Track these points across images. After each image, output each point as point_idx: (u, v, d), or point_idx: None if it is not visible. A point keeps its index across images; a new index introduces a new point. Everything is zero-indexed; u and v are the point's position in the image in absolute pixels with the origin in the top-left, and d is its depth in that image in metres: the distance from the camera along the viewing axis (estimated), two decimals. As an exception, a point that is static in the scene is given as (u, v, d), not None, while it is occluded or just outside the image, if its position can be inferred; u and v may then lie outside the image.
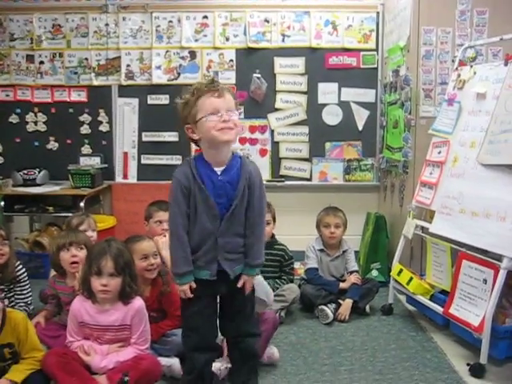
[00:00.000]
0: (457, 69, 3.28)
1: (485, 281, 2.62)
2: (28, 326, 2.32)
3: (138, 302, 2.40)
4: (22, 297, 2.97)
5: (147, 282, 2.72)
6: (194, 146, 4.36)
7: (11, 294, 2.90)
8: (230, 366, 2.40)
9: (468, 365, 2.61)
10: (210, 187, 2.06)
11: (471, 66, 3.16)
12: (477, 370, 2.55)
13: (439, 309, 2.91)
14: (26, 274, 3.03)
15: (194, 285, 2.10)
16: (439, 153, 3.20)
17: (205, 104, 2.01)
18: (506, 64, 2.83)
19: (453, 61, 3.52)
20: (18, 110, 4.63)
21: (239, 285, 2.14)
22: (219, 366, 2.45)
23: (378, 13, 4.41)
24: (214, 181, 2.07)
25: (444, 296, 2.97)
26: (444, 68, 3.63)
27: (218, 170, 2.08)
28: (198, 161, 2.10)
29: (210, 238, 2.08)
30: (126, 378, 2.21)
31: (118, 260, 2.34)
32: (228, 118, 2.01)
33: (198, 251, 2.09)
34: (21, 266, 3.02)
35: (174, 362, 2.49)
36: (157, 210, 3.24)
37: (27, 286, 3.03)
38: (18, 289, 2.97)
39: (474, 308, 2.65)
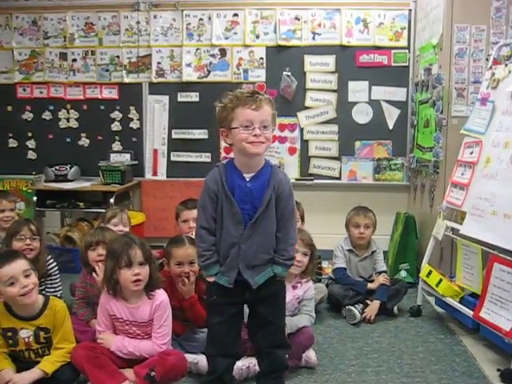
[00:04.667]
0: (491, 67, 3.21)
1: (517, 284, 2.57)
2: (66, 316, 2.40)
3: (161, 297, 2.44)
4: (53, 290, 3.02)
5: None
6: (223, 144, 4.40)
7: (42, 287, 2.95)
8: (251, 365, 2.44)
9: (498, 370, 2.55)
10: (236, 193, 2.08)
11: (506, 65, 3.08)
12: (507, 376, 2.49)
13: (469, 312, 2.86)
14: (56, 268, 3.09)
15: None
16: (471, 153, 3.14)
17: (240, 114, 2.03)
18: (542, 63, 2.76)
19: (487, 59, 3.44)
20: (51, 107, 4.73)
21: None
22: (240, 365, 2.45)
23: (410, 10, 4.37)
24: (242, 186, 2.09)
25: (474, 299, 2.92)
26: (477, 66, 3.56)
27: (248, 176, 2.11)
28: (228, 167, 2.13)
29: (234, 245, 2.11)
30: (153, 373, 2.24)
31: (144, 249, 2.40)
32: (259, 133, 2.02)
33: (223, 256, 2.12)
34: (52, 260, 3.08)
35: (201, 359, 2.48)
36: (183, 209, 3.28)
37: (58, 280, 3.08)
38: (49, 282, 3.03)
39: (505, 312, 2.59)
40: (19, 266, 2.27)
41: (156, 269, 2.46)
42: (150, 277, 2.41)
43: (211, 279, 2.15)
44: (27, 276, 2.28)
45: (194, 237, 2.95)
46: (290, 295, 2.77)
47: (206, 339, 2.27)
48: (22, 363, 2.33)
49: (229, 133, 2.08)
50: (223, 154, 4.55)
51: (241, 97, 2.04)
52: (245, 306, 2.26)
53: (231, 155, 2.24)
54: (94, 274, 2.76)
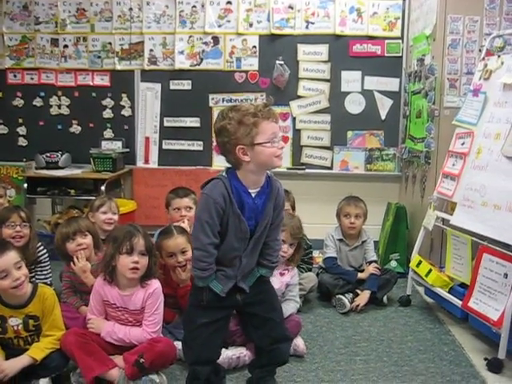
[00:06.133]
0: (483, 58, 3.21)
1: (505, 275, 2.58)
2: (55, 303, 2.39)
3: (155, 285, 2.43)
4: (43, 277, 3.01)
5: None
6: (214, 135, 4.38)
7: (32, 274, 2.93)
8: (241, 355, 2.47)
9: (485, 359, 2.58)
10: (245, 211, 2.01)
11: (499, 56, 3.09)
12: (494, 365, 2.52)
13: (458, 302, 2.88)
14: (47, 255, 3.08)
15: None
16: (462, 144, 3.15)
17: (266, 129, 1.93)
18: (534, 54, 2.77)
19: (480, 50, 3.45)
20: (42, 94, 4.68)
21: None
22: (230, 354, 2.47)
23: (404, 0, 4.35)
24: (250, 203, 2.02)
25: (463, 289, 2.94)
26: (470, 58, 3.56)
27: (253, 191, 2.03)
28: (232, 181, 2.01)
29: (235, 258, 2.07)
30: (142, 360, 2.24)
31: (146, 239, 2.40)
32: (283, 144, 2.00)
33: (221, 265, 2.07)
34: (42, 248, 3.07)
35: (190, 347, 2.51)
36: (174, 197, 3.29)
37: (48, 267, 3.07)
38: (39, 269, 3.02)
39: (493, 302, 2.62)
40: (10, 258, 2.25)
41: (155, 262, 2.45)
42: (148, 269, 2.40)
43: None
44: (19, 268, 2.27)
45: (183, 225, 2.98)
46: (279, 282, 2.80)
47: (184, 346, 2.19)
48: (11, 350, 2.32)
49: (249, 150, 1.94)
50: (215, 143, 4.53)
51: (261, 110, 1.93)
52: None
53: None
54: (71, 263, 2.75)
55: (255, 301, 2.15)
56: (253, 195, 2.03)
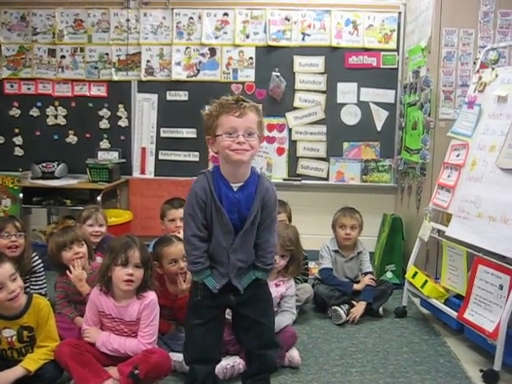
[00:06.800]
0: (478, 71, 3.24)
1: (501, 286, 2.59)
2: (50, 314, 2.39)
3: (151, 296, 2.43)
4: (37, 287, 3.00)
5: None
6: (211, 152, 4.38)
7: (27, 284, 2.93)
8: (235, 364, 2.46)
9: (481, 371, 2.58)
10: (224, 203, 2.06)
11: (493, 69, 3.11)
12: (490, 377, 2.52)
13: (453, 313, 2.88)
14: (41, 265, 3.07)
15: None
16: (458, 156, 3.16)
17: (224, 122, 2.00)
18: (528, 67, 2.79)
19: (474, 63, 3.48)
20: (39, 104, 4.69)
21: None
22: (224, 364, 2.45)
23: (399, 13, 4.39)
24: (230, 197, 2.06)
25: (459, 300, 2.94)
26: (465, 70, 3.59)
27: (235, 185, 2.07)
28: (215, 175, 2.09)
29: (223, 254, 2.09)
30: (137, 371, 2.23)
31: (143, 252, 2.40)
32: (243, 140, 1.99)
33: (214, 263, 2.11)
34: (37, 258, 3.06)
35: (186, 358, 2.50)
36: (169, 208, 3.29)
37: (43, 277, 3.06)
38: (34, 280, 3.01)
39: (488, 314, 2.62)
40: (5, 270, 2.25)
41: (151, 275, 2.45)
42: (144, 281, 2.40)
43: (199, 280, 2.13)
44: (14, 280, 2.26)
45: (179, 236, 2.98)
46: (273, 292, 2.78)
47: (184, 345, 2.22)
48: (4, 362, 2.31)
49: (214, 140, 2.05)
50: (212, 153, 4.53)
51: (225, 104, 2.02)
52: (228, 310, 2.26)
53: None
54: (68, 272, 2.74)
55: (248, 302, 2.16)
56: (234, 189, 2.07)
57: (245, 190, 2.08)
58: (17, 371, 2.25)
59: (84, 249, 2.81)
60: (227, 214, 2.05)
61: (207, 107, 2.10)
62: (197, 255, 2.08)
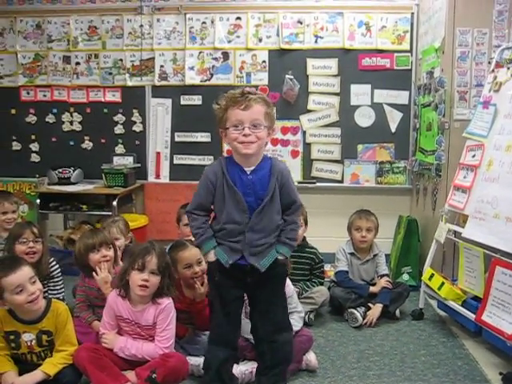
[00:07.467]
0: (493, 71, 3.21)
1: (519, 288, 2.57)
2: (68, 319, 2.41)
3: (167, 301, 2.44)
4: (55, 292, 3.03)
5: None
6: (226, 147, 4.41)
7: (45, 289, 2.94)
8: (254, 370, 2.42)
9: (501, 374, 2.55)
10: (238, 184, 2.14)
11: (508, 68, 3.09)
12: (510, 380, 2.49)
13: (471, 315, 2.86)
14: (59, 270, 3.09)
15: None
16: (473, 156, 3.14)
17: (231, 115, 2.10)
18: (544, 66, 2.76)
19: (489, 62, 3.45)
20: (55, 110, 4.74)
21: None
22: (243, 369, 2.46)
23: (412, 14, 4.36)
24: (244, 179, 2.15)
25: (476, 302, 2.92)
26: (480, 70, 3.56)
27: (248, 169, 2.16)
28: (228, 160, 2.20)
29: (238, 231, 2.15)
30: (154, 375, 2.24)
31: (161, 259, 2.42)
32: (249, 132, 2.07)
33: (226, 237, 2.18)
34: (54, 263, 3.09)
35: (203, 362, 2.50)
36: (185, 212, 3.28)
37: (60, 282, 3.09)
38: (52, 285, 3.03)
39: (507, 315, 2.59)
40: (25, 273, 2.28)
41: (169, 283, 2.45)
42: (160, 288, 2.41)
43: (212, 259, 2.20)
44: (33, 283, 2.29)
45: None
46: None
47: (210, 327, 2.33)
48: (24, 366, 2.34)
49: (224, 133, 2.15)
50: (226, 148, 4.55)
51: (232, 97, 2.10)
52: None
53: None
54: (94, 273, 2.76)
55: (264, 283, 2.21)
56: (248, 172, 2.16)
57: (258, 172, 2.17)
58: (36, 376, 2.27)
59: (111, 252, 2.82)
60: (243, 197, 2.12)
61: (218, 101, 2.18)
62: (196, 226, 2.22)
